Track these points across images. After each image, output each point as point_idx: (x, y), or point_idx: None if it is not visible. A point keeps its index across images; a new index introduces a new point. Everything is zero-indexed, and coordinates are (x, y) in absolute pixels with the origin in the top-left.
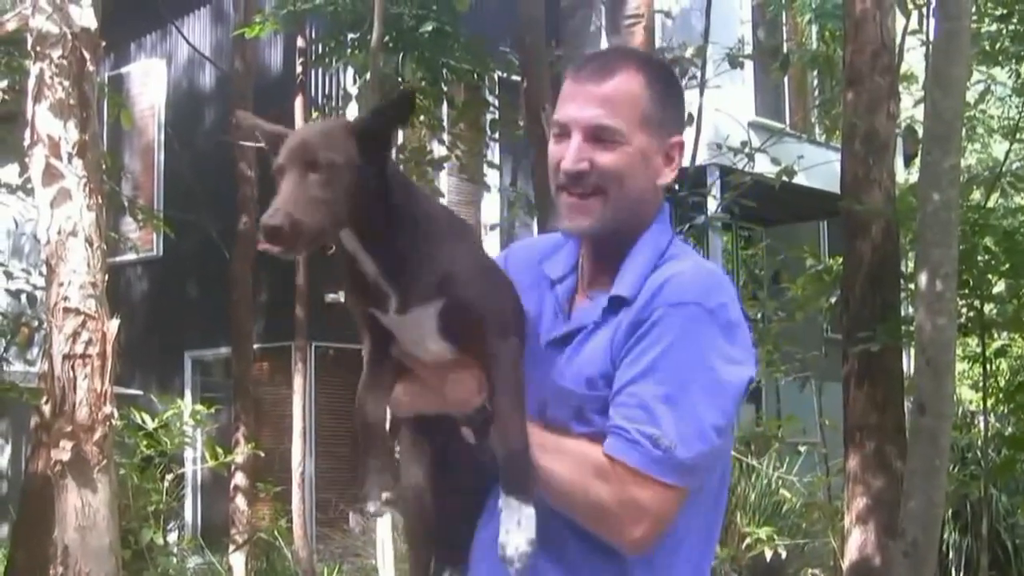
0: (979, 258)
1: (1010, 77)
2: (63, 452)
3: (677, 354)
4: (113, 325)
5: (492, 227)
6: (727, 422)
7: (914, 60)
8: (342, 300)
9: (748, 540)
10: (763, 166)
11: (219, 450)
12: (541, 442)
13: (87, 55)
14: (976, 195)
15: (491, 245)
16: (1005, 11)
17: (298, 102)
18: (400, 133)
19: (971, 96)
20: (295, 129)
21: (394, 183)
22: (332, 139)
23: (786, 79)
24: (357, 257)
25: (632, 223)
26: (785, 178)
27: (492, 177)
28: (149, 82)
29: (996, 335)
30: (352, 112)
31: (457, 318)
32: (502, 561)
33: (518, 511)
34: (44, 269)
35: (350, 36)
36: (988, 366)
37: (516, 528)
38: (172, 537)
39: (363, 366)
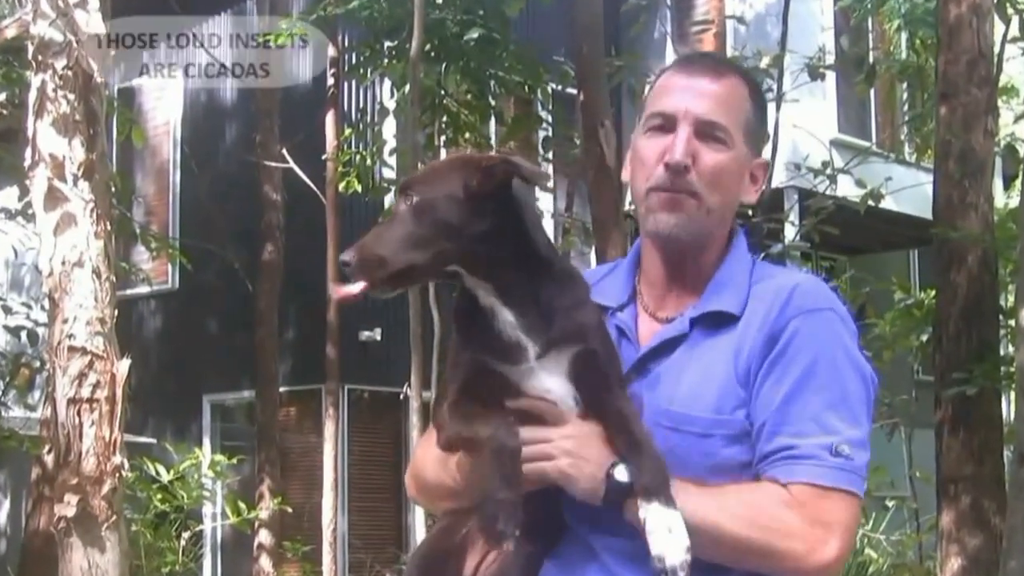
0: None
1: None
2: (68, 507)
3: (828, 360)
4: (123, 366)
5: None
6: (870, 431)
7: (1014, 70)
8: (377, 338)
9: None
10: (846, 189)
11: (241, 505)
12: (697, 492)
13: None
14: None
15: None
16: None
17: (329, 117)
18: (443, 152)
19: None
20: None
21: (537, 234)
22: (437, 174)
23: (872, 92)
24: (495, 312)
25: (708, 239)
26: (871, 202)
27: (545, 201)
28: (163, 96)
29: None
30: (389, 128)
31: (586, 367)
32: None
33: (664, 515)
34: (47, 303)
35: (387, 44)
36: None
37: (668, 535)
38: None
39: (452, 417)
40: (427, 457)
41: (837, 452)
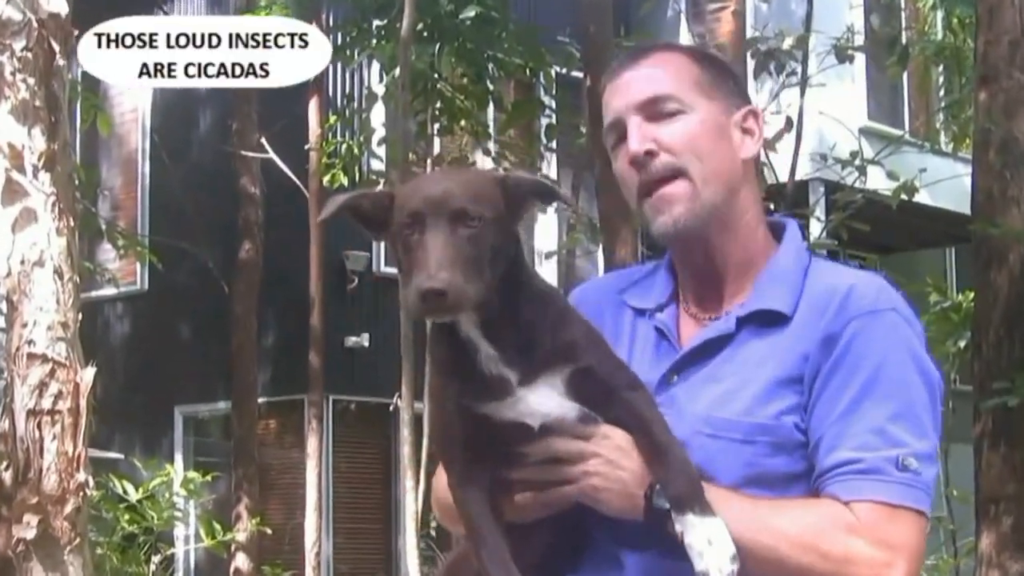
0: None
1: None
2: (27, 528)
3: (893, 365)
4: (88, 374)
5: (548, 255)
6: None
7: None
8: (365, 344)
9: None
10: (877, 181)
11: (217, 526)
12: (748, 507)
13: (56, 47)
14: None
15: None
16: None
17: (313, 104)
18: (436, 141)
19: None
20: (420, 175)
21: (520, 253)
22: (480, 189)
23: (905, 76)
24: (474, 344)
25: (725, 216)
26: (904, 196)
27: None
28: None
29: None
30: (378, 115)
31: (584, 384)
32: None
33: (702, 526)
34: (4, 306)
35: (376, 23)
36: None
37: (709, 547)
38: None
39: (453, 469)
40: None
41: (904, 466)
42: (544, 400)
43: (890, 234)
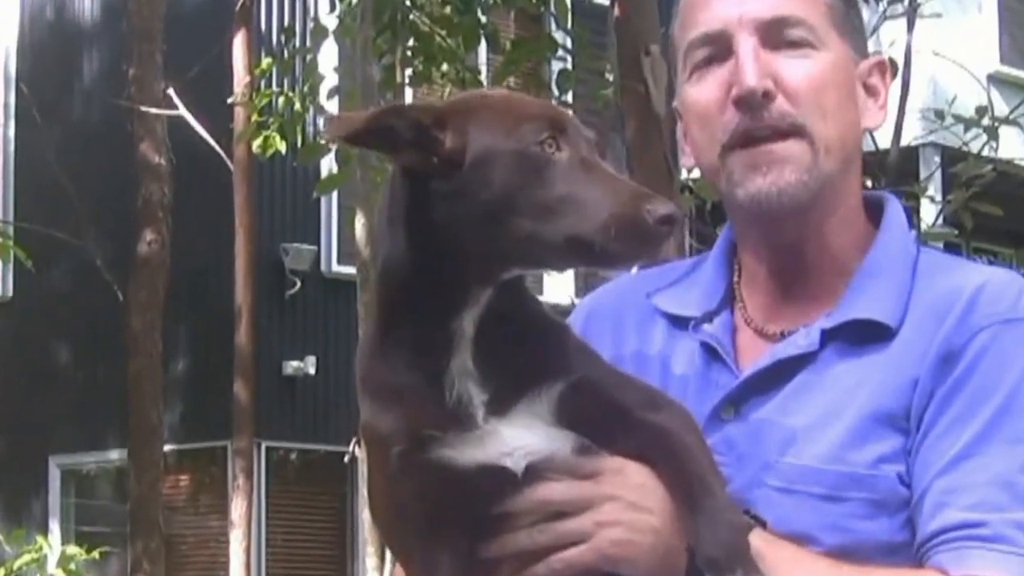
0: None
1: None
2: None
3: None
4: None
5: None
6: None
7: None
8: (311, 371)
9: None
10: (1013, 148)
11: None
12: (823, 571)
13: None
14: None
15: (559, 278)
16: None
17: (239, 41)
18: (408, 92)
19: None
20: (517, 97)
21: None
22: None
23: None
24: (454, 348)
25: (834, 198)
26: None
27: None
28: None
29: None
30: (330, 57)
31: (581, 404)
32: None
33: None
34: None
35: None
36: None
37: None
38: None
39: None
40: None
41: None
42: (524, 433)
43: None
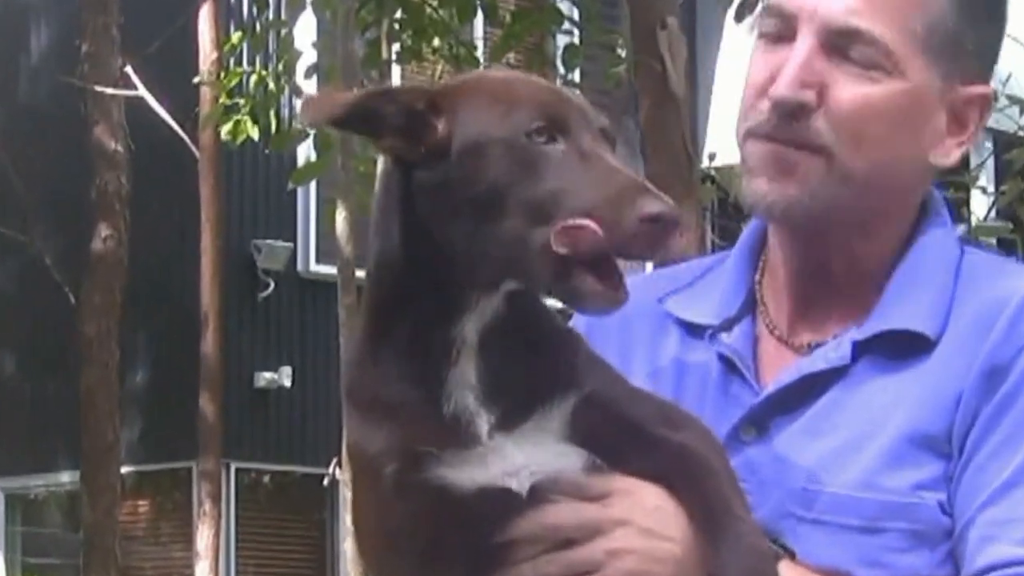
0: None
1: None
2: None
3: None
4: None
5: None
6: None
7: None
8: (286, 384)
9: None
10: None
11: None
12: None
13: None
14: None
15: None
16: None
17: (205, 14)
18: (398, 70)
19: None
20: (529, 83)
21: None
22: None
23: None
24: (458, 353)
25: (858, 220)
26: None
27: None
28: None
29: None
30: (308, 31)
31: (594, 420)
32: None
33: None
34: None
35: None
36: None
37: None
38: None
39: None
40: None
41: None
42: (532, 450)
43: None
